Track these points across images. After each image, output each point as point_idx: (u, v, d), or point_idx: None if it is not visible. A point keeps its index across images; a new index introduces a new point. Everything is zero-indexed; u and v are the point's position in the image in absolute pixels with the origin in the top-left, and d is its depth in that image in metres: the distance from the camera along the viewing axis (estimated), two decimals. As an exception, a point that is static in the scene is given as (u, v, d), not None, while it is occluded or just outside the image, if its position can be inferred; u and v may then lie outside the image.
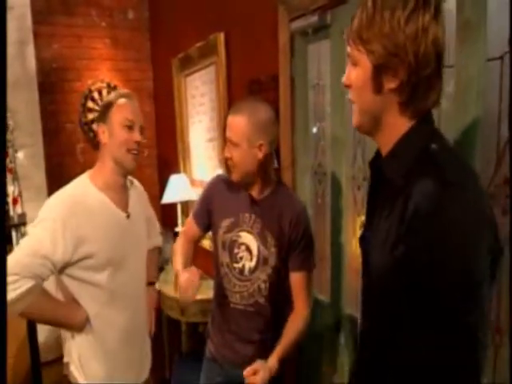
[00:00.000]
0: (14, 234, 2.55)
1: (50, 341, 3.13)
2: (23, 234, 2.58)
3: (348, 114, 1.69)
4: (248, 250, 1.55)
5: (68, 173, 3.47)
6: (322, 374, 1.95)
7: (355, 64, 0.84)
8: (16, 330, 2.28)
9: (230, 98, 2.56)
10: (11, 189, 2.64)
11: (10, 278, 1.25)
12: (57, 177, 3.36)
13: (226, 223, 1.58)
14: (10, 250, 2.57)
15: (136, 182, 1.73)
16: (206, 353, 1.72)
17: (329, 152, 1.87)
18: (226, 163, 1.51)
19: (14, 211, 2.61)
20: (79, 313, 1.43)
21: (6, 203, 2.52)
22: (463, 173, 0.80)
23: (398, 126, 0.83)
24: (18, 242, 2.51)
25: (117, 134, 1.49)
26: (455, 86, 1.26)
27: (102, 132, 1.52)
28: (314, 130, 1.99)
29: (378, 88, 0.81)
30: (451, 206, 0.73)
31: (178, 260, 1.62)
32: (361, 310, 1.03)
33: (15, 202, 2.67)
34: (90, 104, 3.63)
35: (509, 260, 1.10)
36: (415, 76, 0.77)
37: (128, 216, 1.55)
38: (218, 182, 1.66)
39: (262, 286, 1.55)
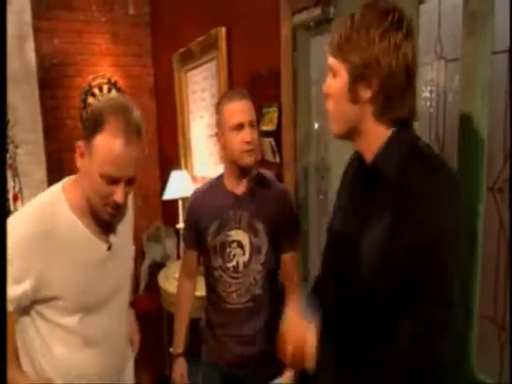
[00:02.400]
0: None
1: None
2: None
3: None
4: (240, 245, 1.55)
5: (69, 169, 3.45)
6: None
7: (334, 74, 0.92)
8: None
9: (232, 94, 2.53)
10: (11, 185, 2.62)
11: None
12: (57, 173, 3.33)
13: (213, 228, 1.56)
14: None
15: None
16: (203, 358, 1.70)
17: (331, 148, 1.85)
18: (250, 148, 1.47)
19: (14, 208, 2.59)
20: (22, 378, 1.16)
21: (7, 199, 2.50)
22: (447, 165, 0.89)
23: (375, 133, 0.90)
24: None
25: None
26: (461, 79, 1.24)
27: None
28: (316, 125, 1.97)
29: (354, 98, 0.89)
30: (442, 190, 0.81)
31: (178, 337, 1.68)
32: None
33: (16, 198, 2.65)
34: (91, 100, 3.61)
35: (509, 259, 1.09)
36: (386, 87, 0.86)
37: (109, 247, 1.21)
38: (195, 197, 1.66)
39: (258, 276, 1.55)
